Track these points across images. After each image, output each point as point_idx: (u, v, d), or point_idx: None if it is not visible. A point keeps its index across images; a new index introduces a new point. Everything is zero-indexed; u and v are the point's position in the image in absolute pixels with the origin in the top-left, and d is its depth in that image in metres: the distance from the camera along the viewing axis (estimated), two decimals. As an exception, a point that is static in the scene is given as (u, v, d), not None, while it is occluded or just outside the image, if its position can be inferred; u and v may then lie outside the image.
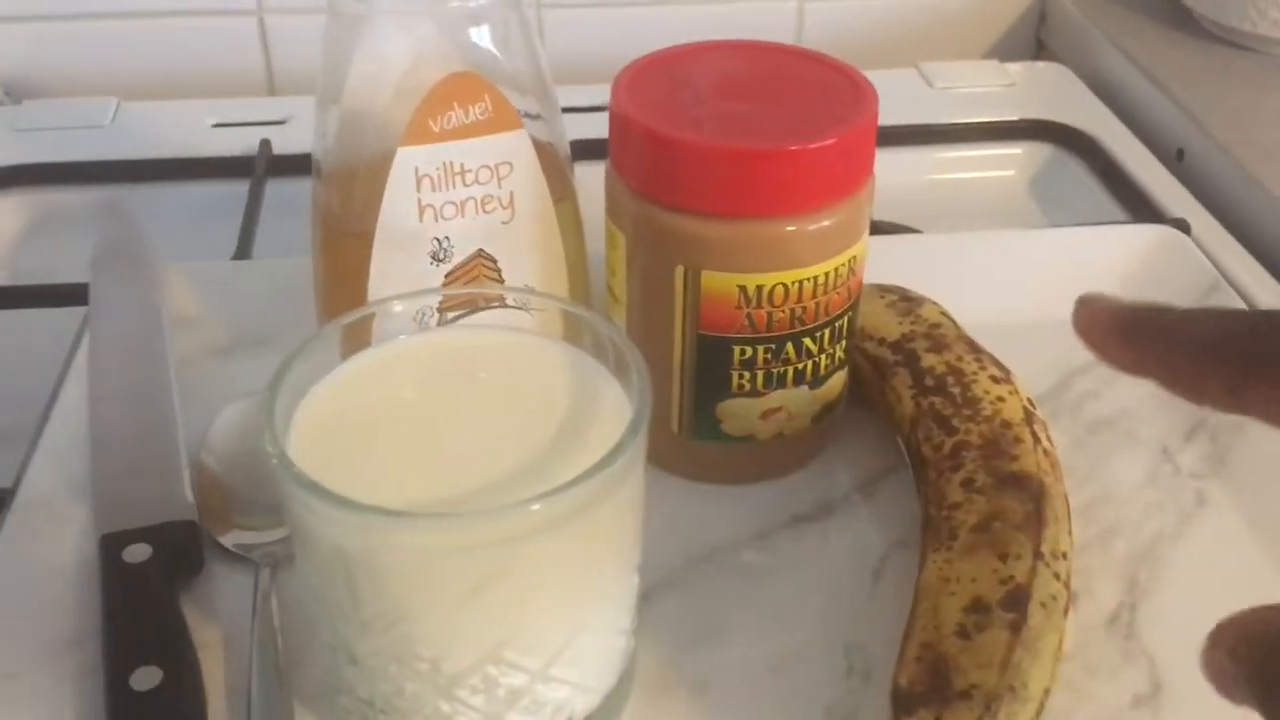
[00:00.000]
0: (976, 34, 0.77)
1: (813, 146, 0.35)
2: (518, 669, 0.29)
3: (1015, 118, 0.66)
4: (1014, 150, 0.65)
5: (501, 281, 0.39)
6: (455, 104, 0.35)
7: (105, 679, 0.33)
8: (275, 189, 0.61)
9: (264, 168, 0.61)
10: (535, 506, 0.26)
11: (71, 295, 0.51)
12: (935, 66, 0.70)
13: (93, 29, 0.72)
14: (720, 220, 0.35)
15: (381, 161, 0.36)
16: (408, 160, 0.36)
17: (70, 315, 0.50)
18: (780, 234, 0.35)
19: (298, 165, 0.62)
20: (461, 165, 0.36)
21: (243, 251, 0.56)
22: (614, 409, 0.30)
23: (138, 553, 0.36)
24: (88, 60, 0.72)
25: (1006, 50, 0.77)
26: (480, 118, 0.36)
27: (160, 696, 0.32)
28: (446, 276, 0.38)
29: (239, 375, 0.45)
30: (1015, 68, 0.72)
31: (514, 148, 0.37)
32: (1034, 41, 0.78)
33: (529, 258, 0.39)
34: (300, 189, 0.62)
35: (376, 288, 0.38)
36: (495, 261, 0.39)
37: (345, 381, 0.31)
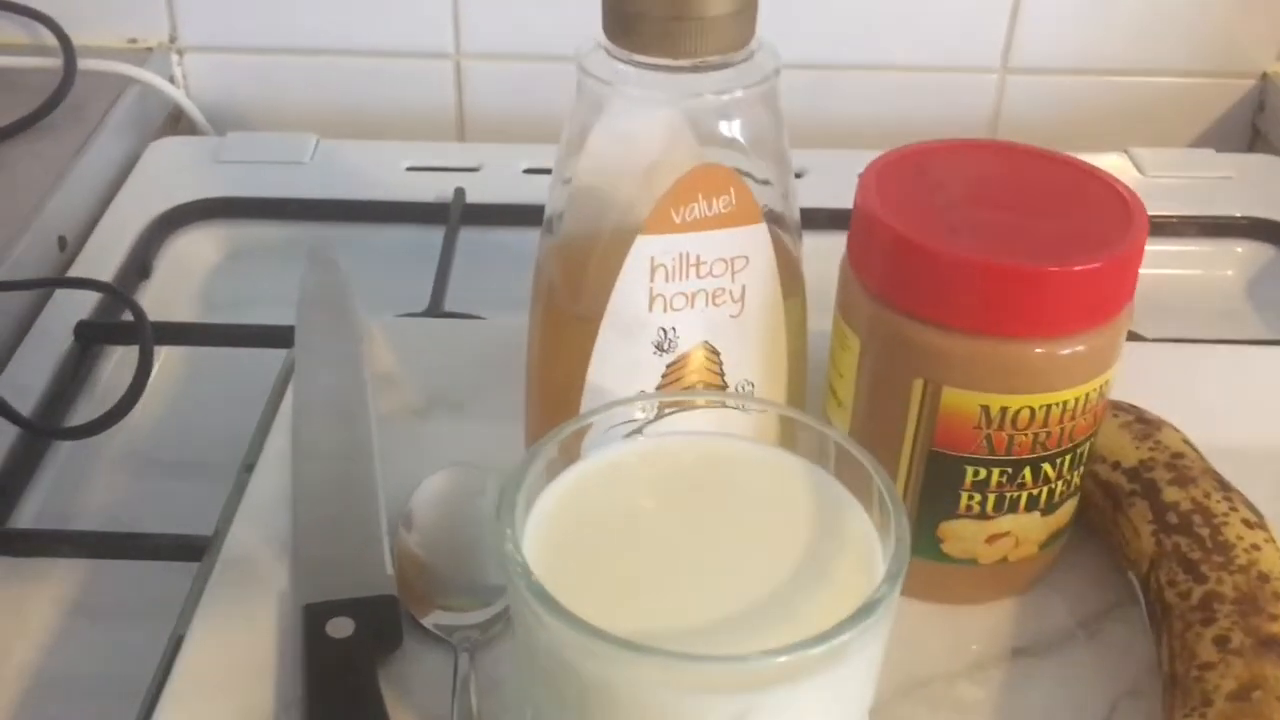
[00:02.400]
0: (1189, 119, 0.73)
1: (1077, 270, 0.32)
2: (743, 812, 0.27)
3: (1237, 214, 0.62)
4: (1234, 248, 0.62)
5: (722, 375, 0.38)
6: (700, 196, 0.34)
7: (307, 760, 0.32)
8: (467, 237, 0.61)
9: (458, 216, 0.61)
10: (783, 659, 0.25)
11: (270, 337, 0.51)
12: (1147, 153, 0.67)
13: (293, 64, 0.73)
14: (969, 336, 0.33)
15: (615, 245, 0.35)
16: (645, 249, 0.35)
17: (268, 356, 0.51)
18: (1031, 356, 0.33)
19: (489, 215, 0.63)
20: (698, 257, 0.35)
21: (436, 300, 0.56)
22: (860, 539, 0.29)
23: (341, 626, 0.35)
24: (286, 94, 0.73)
25: (1220, 138, 0.73)
26: (723, 210, 0.35)
27: (362, 787, 0.31)
28: (668, 367, 0.37)
29: (435, 437, 0.44)
30: (1232, 159, 0.68)
31: (752, 242, 0.36)
32: (1249, 130, 0.74)
33: (753, 353, 0.38)
34: (491, 239, 0.62)
35: (597, 372, 0.37)
36: (718, 355, 0.37)
37: (576, 489, 0.30)
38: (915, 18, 0.71)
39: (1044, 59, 0.72)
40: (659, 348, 0.37)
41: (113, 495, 0.49)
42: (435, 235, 0.61)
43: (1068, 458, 0.36)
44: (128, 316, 0.53)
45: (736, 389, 0.38)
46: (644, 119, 0.35)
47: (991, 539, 0.36)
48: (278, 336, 0.50)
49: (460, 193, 0.63)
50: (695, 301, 0.36)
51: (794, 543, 0.29)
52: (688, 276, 0.36)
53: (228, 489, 0.44)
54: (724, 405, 0.33)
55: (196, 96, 0.73)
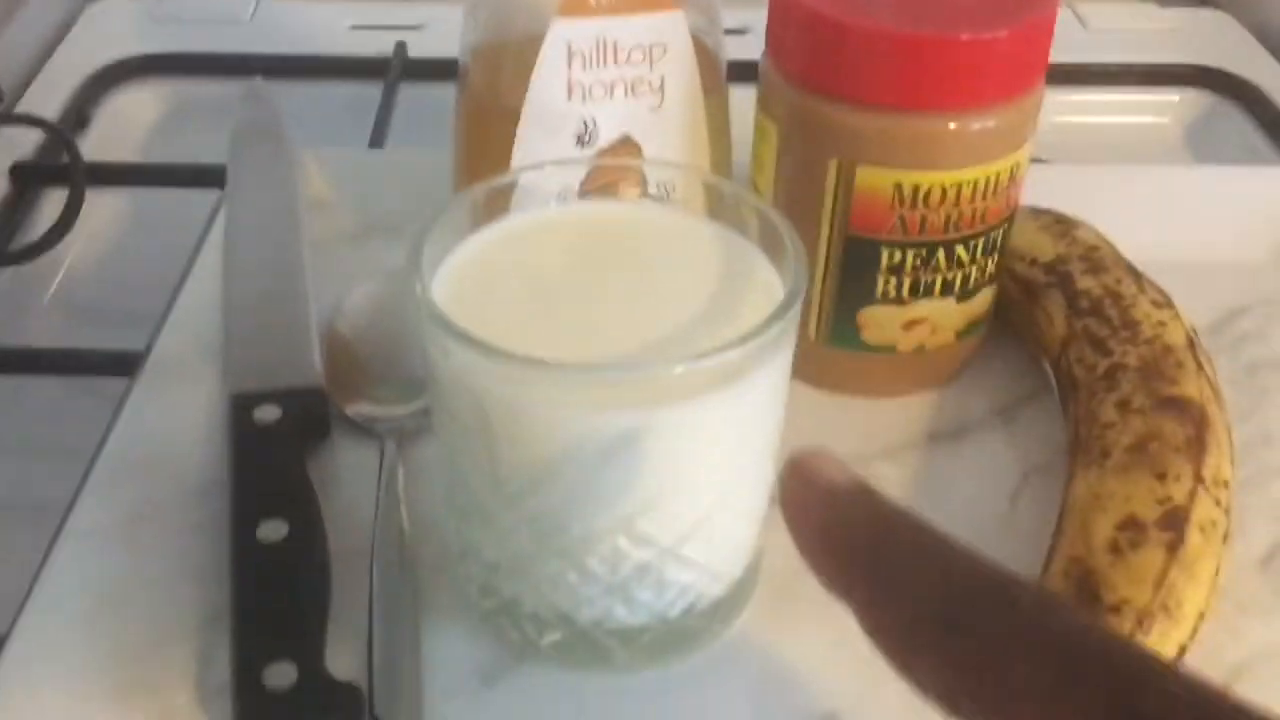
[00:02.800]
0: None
1: (986, 37, 0.33)
2: (648, 543, 0.28)
3: (1174, 62, 0.63)
4: (1171, 97, 0.62)
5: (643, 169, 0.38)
6: (615, -24, 0.34)
7: (231, 529, 0.33)
8: (409, 92, 0.61)
9: (399, 70, 0.61)
10: (680, 368, 0.26)
11: (206, 176, 0.51)
12: (1090, 6, 0.67)
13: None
14: (882, 112, 0.34)
15: (535, 38, 0.35)
16: (562, 34, 0.35)
17: (204, 196, 0.51)
18: (944, 131, 0.34)
19: (432, 70, 0.62)
20: (615, 43, 0.35)
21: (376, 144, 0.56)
22: (765, 287, 0.29)
23: (267, 413, 0.36)
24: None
25: (1166, -3, 0.73)
26: (639, -6, 0.35)
27: (286, 549, 0.32)
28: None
29: (368, 260, 0.44)
30: (1175, 12, 0.68)
31: (670, 30, 0.36)
32: (1195, -12, 0.74)
33: (674, 147, 0.38)
34: (433, 93, 0.62)
35: (519, 165, 0.37)
36: (639, 148, 0.38)
37: (491, 243, 0.30)
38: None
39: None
40: (580, 140, 0.37)
41: (48, 332, 0.49)
42: (376, 91, 0.61)
43: (981, 242, 0.36)
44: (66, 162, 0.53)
45: (658, 185, 0.38)
46: (559, -96, 0.35)
47: (909, 325, 0.37)
48: (214, 176, 0.50)
49: (401, 46, 0.63)
50: (614, 91, 0.36)
51: (701, 292, 0.29)
52: (606, 64, 0.36)
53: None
54: (642, 172, 0.34)
55: (136, -39, 0.72)
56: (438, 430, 0.30)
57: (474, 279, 0.29)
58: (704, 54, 0.37)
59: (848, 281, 0.37)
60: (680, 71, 0.37)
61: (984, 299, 0.38)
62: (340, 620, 0.31)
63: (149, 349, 0.40)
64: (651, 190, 0.35)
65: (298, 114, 0.54)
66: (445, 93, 0.61)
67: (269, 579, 0.31)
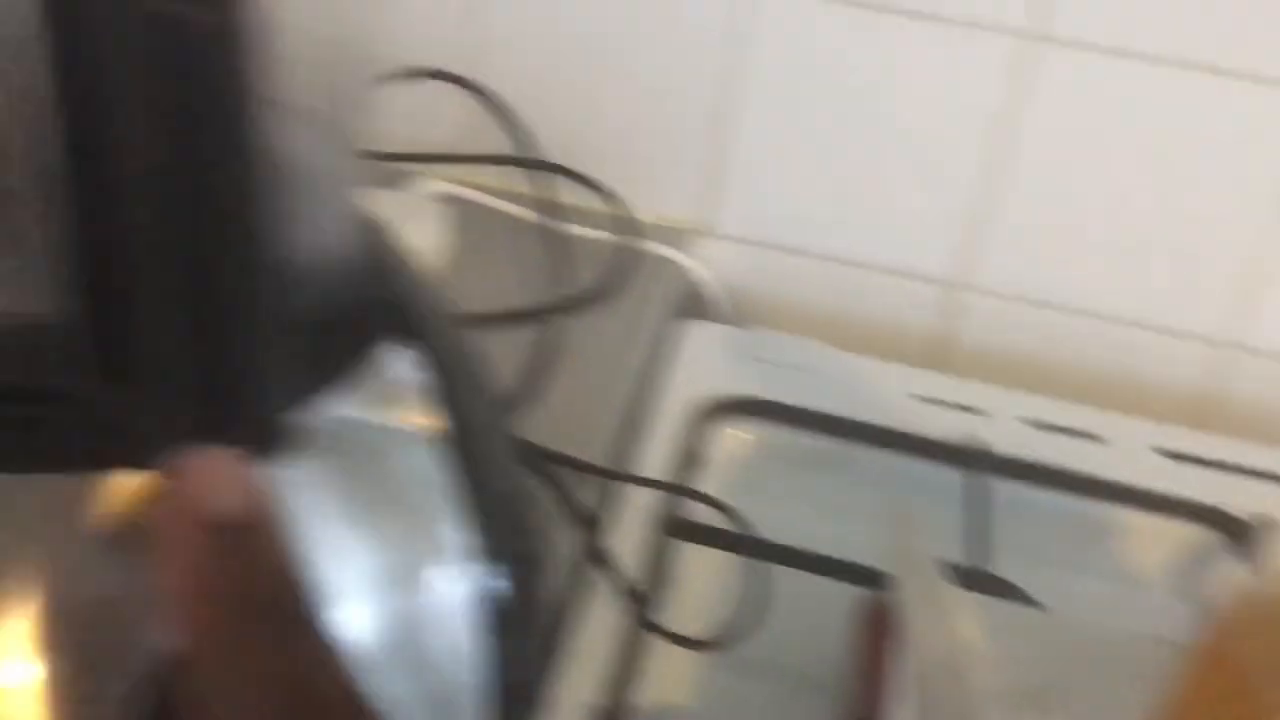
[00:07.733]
0: None
1: None
2: None
3: None
4: None
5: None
6: None
7: None
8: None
9: (988, 466, 0.63)
10: None
11: (862, 575, 0.54)
12: None
13: (798, 265, 0.76)
14: None
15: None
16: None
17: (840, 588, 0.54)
18: None
19: (1014, 470, 0.64)
20: None
21: (977, 558, 0.58)
22: None
23: None
24: (786, 291, 0.77)
25: None
26: None
27: None
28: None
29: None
30: None
31: None
32: None
33: None
34: (1004, 492, 0.63)
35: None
36: None
37: None
38: None
39: None
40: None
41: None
42: (941, 475, 0.63)
43: None
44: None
45: None
46: None
47: None
48: (866, 575, 0.52)
49: (985, 444, 0.64)
50: None
51: None
52: None
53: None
54: None
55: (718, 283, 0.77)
56: None
57: None
58: None
59: None
60: None
61: None
62: None
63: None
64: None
65: (871, 481, 0.56)
66: (1020, 493, 0.63)
67: None
